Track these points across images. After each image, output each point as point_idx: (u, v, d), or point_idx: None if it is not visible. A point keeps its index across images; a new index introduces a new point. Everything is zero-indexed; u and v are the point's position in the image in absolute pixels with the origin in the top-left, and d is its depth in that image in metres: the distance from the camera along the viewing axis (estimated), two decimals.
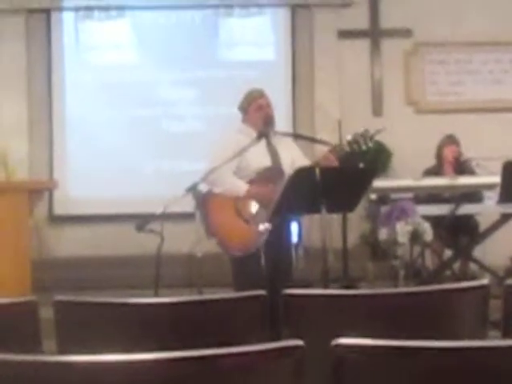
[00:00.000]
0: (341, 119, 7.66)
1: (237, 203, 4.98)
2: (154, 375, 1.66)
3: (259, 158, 5.05)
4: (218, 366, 1.67)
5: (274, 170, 5.05)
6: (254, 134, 5.09)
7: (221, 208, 4.99)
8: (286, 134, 5.40)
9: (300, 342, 1.70)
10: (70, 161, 8.85)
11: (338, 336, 1.76)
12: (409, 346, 1.72)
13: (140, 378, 1.66)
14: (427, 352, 1.72)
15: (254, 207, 4.99)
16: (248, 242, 4.91)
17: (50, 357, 1.70)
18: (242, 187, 4.99)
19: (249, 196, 4.97)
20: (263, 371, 1.70)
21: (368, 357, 1.74)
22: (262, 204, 4.94)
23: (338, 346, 1.73)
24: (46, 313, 2.67)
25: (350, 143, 4.90)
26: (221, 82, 8.86)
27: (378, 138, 8.38)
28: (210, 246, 5.13)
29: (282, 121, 7.34)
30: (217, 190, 4.98)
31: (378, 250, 7.64)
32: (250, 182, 5.03)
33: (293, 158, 5.13)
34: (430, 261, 7.36)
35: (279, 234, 5.02)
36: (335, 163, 4.92)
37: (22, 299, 2.62)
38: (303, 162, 5.10)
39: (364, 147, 4.90)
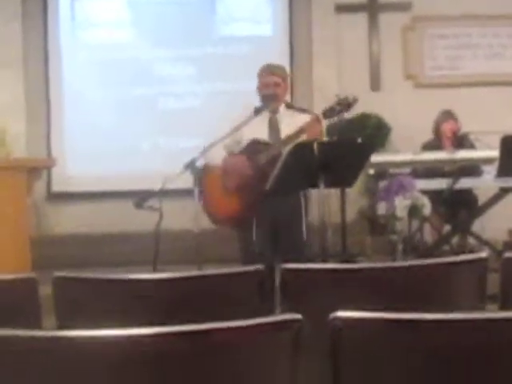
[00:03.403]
0: (339, 94, 7.63)
1: (223, 175, 5.04)
2: (152, 349, 1.66)
3: (255, 133, 5.06)
4: (216, 339, 1.67)
5: (260, 144, 5.07)
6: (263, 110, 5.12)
7: (212, 181, 5.05)
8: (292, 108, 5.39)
9: (298, 316, 1.70)
10: (67, 138, 8.84)
11: (337, 310, 1.77)
12: (406, 319, 1.73)
13: (138, 352, 1.66)
14: (425, 325, 1.73)
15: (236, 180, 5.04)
16: (231, 213, 4.99)
17: (48, 332, 1.71)
18: (218, 157, 5.05)
19: (223, 166, 5.02)
20: (261, 345, 1.70)
21: (366, 330, 1.74)
22: (232, 173, 4.98)
23: (335, 319, 1.73)
24: (46, 290, 2.68)
25: (325, 113, 4.87)
26: (218, 58, 8.84)
27: (376, 112, 8.50)
28: (208, 222, 5.15)
29: None
30: (202, 161, 5.02)
31: (376, 225, 7.65)
32: (233, 154, 5.09)
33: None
34: (428, 235, 7.38)
35: (283, 207, 5.03)
36: (319, 130, 4.89)
37: (21, 276, 2.62)
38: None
39: (341, 116, 4.84)
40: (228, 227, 5.26)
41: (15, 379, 1.68)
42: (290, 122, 5.17)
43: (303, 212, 5.14)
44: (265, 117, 5.15)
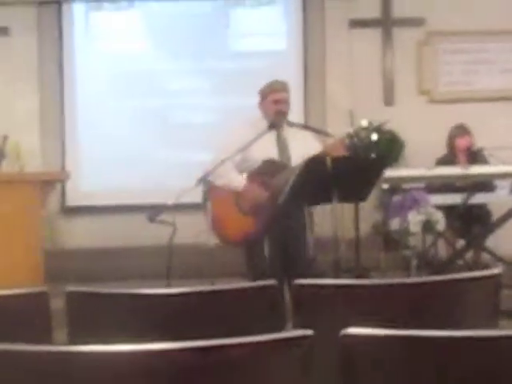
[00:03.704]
0: (352, 110, 7.64)
1: (237, 196, 5.02)
2: (164, 365, 1.66)
3: (265, 150, 5.07)
4: (228, 355, 1.67)
5: (275, 164, 5.06)
6: (265, 126, 5.12)
7: (222, 200, 5.04)
8: (296, 125, 5.39)
9: (309, 332, 1.70)
10: (81, 152, 8.86)
11: (349, 326, 1.76)
12: (418, 336, 1.71)
13: (150, 368, 1.66)
14: (437, 342, 1.72)
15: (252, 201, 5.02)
16: (245, 233, 4.97)
17: (60, 347, 1.71)
18: (238, 182, 5.04)
19: (244, 192, 5.01)
20: (272, 361, 1.70)
21: (377, 347, 1.73)
22: (256, 201, 4.98)
23: (346, 336, 1.73)
24: (58, 303, 2.68)
25: (350, 136, 4.90)
26: (231, 72, 8.85)
27: (389, 127, 8.48)
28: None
29: (293, 111, 7.31)
30: (217, 183, 5.02)
31: (390, 240, 7.62)
32: (249, 176, 5.06)
33: (307, 151, 5.11)
34: (442, 251, 7.34)
35: (291, 223, 5.05)
36: (342, 153, 4.91)
37: (33, 290, 2.62)
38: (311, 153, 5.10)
39: (366, 140, 4.90)
40: (239, 247, 5.23)
41: None
42: (297, 139, 5.20)
43: (307, 228, 5.17)
44: (271, 134, 5.15)
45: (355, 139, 4.83)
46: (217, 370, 1.68)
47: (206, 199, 4.90)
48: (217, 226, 5.02)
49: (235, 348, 1.66)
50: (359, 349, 1.72)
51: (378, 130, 4.89)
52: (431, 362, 1.72)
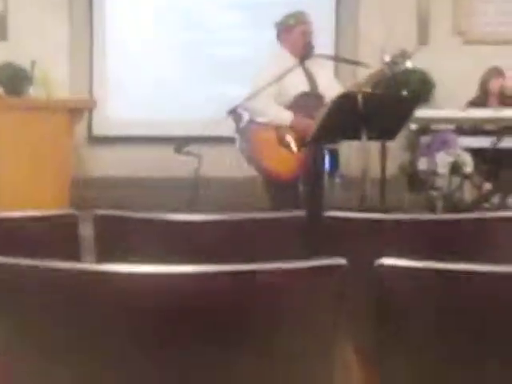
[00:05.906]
0: (385, 47, 7.50)
1: (278, 130, 4.98)
2: (190, 288, 1.65)
3: (297, 84, 5.05)
4: (258, 281, 1.66)
5: (312, 96, 5.05)
6: (292, 59, 5.08)
7: (262, 136, 5.00)
8: (327, 57, 5.38)
9: (343, 261, 1.69)
10: (110, 82, 8.83)
11: (376, 258, 1.75)
12: (454, 269, 1.70)
13: (176, 291, 1.65)
14: (474, 276, 1.70)
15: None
16: (290, 168, 4.95)
17: (88, 265, 1.70)
18: (286, 117, 4.97)
19: (292, 126, 4.96)
20: (304, 289, 1.69)
21: (412, 278, 1.72)
22: (303, 136, 4.94)
23: (381, 266, 1.72)
24: (85, 230, 2.67)
25: (389, 65, 4.86)
26: (266, 5, 8.71)
27: (421, 67, 8.37)
28: (248, 171, 5.13)
29: (324, 47, 7.21)
30: (260, 120, 4.97)
31: (416, 181, 7.58)
32: (290, 109, 5.02)
33: (332, 83, 5.13)
34: (468, 193, 7.30)
35: (314, 160, 5.06)
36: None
37: (61, 212, 2.62)
38: (334, 84, 5.17)
39: (403, 67, 4.90)
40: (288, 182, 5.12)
41: (50, 312, 1.68)
42: (320, 70, 5.21)
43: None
44: (297, 67, 5.11)
45: (394, 67, 4.81)
46: (247, 296, 1.67)
47: (238, 133, 4.87)
48: (260, 163, 4.96)
49: (265, 274, 1.65)
50: (394, 279, 1.71)
51: (410, 56, 4.87)
52: (465, 297, 1.71)
